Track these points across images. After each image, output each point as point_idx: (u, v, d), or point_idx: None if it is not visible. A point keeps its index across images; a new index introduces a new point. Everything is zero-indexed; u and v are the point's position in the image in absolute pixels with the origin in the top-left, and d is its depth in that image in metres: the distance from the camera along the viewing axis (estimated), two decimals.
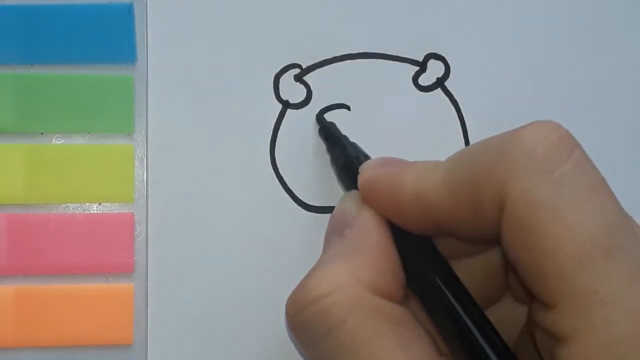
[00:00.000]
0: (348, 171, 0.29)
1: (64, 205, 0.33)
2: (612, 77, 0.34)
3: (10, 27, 0.33)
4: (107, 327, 0.32)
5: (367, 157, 0.29)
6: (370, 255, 0.24)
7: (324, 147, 0.33)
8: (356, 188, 0.27)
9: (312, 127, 0.34)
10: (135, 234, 0.33)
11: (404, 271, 0.25)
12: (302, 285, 0.24)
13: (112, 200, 0.33)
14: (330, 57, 0.34)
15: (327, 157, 0.33)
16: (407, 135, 0.33)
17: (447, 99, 0.34)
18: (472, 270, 0.26)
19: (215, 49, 0.33)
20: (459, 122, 0.34)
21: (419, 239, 0.25)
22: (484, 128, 0.34)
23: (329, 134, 0.32)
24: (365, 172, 0.26)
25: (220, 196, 0.33)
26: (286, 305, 0.25)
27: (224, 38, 0.34)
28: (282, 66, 0.34)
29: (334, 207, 0.33)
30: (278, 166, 0.33)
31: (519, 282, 0.24)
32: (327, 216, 0.33)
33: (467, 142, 0.34)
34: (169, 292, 0.32)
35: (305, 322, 0.24)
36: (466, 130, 0.34)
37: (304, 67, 0.34)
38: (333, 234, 0.26)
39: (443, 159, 0.33)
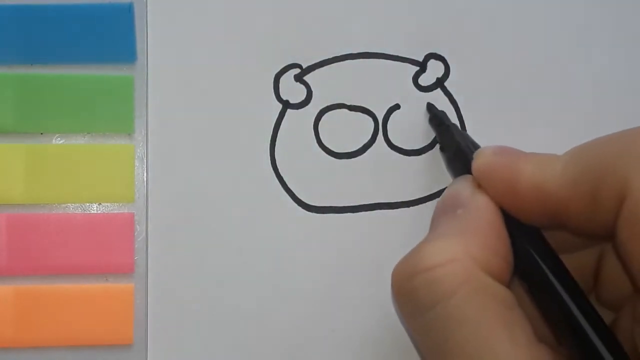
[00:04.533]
0: (460, 157, 0.29)
1: (64, 205, 0.33)
2: (612, 77, 0.34)
3: (10, 27, 0.33)
4: (107, 327, 0.32)
5: (476, 146, 0.30)
6: (483, 234, 0.25)
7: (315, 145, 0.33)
8: (467, 174, 0.27)
9: (312, 127, 0.34)
10: (136, 234, 0.33)
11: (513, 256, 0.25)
12: (414, 254, 0.24)
13: (112, 200, 0.33)
14: (330, 57, 0.34)
15: (328, 158, 0.33)
16: (407, 135, 0.33)
17: (447, 99, 0.34)
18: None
19: (215, 49, 0.33)
20: (458, 122, 0.34)
21: (529, 228, 0.26)
22: (484, 128, 0.34)
23: (441, 122, 0.32)
24: (480, 158, 0.26)
25: (220, 196, 0.33)
26: (394, 273, 0.25)
27: (224, 38, 0.34)
28: (282, 66, 0.34)
29: (334, 207, 0.33)
30: (278, 166, 0.33)
31: (631, 278, 0.25)
32: (327, 216, 0.33)
33: None
34: (169, 292, 0.32)
35: (414, 290, 0.24)
36: (466, 130, 0.34)
37: (304, 67, 0.34)
38: (444, 213, 0.26)
39: (443, 159, 0.34)
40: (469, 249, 0.24)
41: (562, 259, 0.26)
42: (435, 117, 0.33)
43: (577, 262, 0.27)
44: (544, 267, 0.25)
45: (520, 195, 0.25)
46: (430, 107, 0.33)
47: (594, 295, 0.28)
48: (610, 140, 0.24)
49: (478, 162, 0.26)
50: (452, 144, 0.30)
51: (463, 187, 0.27)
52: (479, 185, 0.26)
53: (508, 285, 0.25)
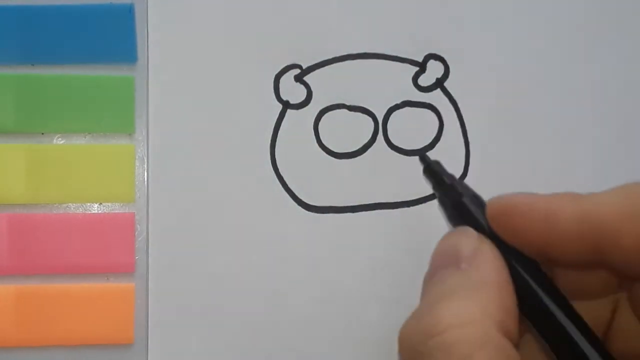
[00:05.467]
0: (461, 209, 0.27)
1: (65, 205, 0.33)
2: (611, 77, 0.34)
3: (11, 28, 0.33)
4: (108, 326, 0.32)
5: (478, 197, 0.28)
6: (497, 292, 0.23)
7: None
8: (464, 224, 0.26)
9: (312, 127, 0.34)
10: (136, 233, 0.33)
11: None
12: (427, 315, 0.23)
13: (113, 200, 0.33)
14: (330, 57, 0.34)
15: (328, 158, 0.33)
16: (407, 135, 0.33)
17: (446, 99, 0.34)
18: None
19: (216, 49, 0.34)
20: (458, 122, 0.34)
21: (532, 268, 0.25)
22: (483, 128, 0.34)
23: (435, 173, 0.29)
24: (499, 199, 0.25)
25: (221, 196, 0.33)
26: (404, 334, 0.24)
27: (224, 38, 0.34)
28: (282, 66, 0.34)
29: (334, 207, 0.33)
30: (278, 166, 0.33)
31: None
32: (327, 216, 0.33)
33: (466, 142, 0.34)
34: (169, 292, 0.32)
35: (428, 353, 0.23)
36: (466, 130, 0.34)
37: (304, 67, 0.34)
38: (445, 268, 0.25)
39: (442, 159, 0.33)
40: (486, 309, 0.23)
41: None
42: (429, 167, 0.29)
43: (589, 311, 0.26)
44: (558, 315, 0.24)
45: (561, 230, 0.23)
46: (423, 156, 0.30)
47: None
48: None
49: (499, 202, 0.25)
50: (452, 195, 0.28)
51: (464, 240, 0.25)
52: (498, 230, 0.25)
53: (517, 345, 0.24)
